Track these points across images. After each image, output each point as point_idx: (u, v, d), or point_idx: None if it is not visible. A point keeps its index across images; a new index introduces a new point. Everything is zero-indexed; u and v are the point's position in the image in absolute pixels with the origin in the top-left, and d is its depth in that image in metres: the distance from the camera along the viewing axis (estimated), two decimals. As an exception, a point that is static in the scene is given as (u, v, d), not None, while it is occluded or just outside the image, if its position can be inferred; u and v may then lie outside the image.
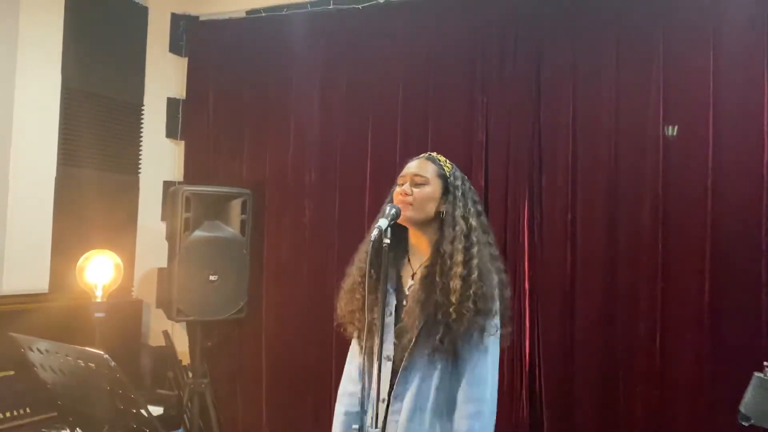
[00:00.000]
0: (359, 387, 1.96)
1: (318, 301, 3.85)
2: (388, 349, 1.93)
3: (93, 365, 1.37)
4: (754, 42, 3.00)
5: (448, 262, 1.89)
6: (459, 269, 1.87)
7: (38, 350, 1.52)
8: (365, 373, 1.95)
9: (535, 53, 3.41)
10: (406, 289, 1.98)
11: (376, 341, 1.80)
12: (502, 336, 1.96)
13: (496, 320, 1.92)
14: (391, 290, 1.96)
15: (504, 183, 3.45)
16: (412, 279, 1.98)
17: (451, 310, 1.84)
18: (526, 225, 3.39)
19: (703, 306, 3.03)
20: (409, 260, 2.02)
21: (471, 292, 1.85)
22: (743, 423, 2.18)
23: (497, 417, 3.29)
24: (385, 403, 1.90)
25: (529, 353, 3.34)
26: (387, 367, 1.92)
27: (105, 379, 1.39)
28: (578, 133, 3.32)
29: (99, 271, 3.09)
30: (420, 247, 2.01)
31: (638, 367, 3.14)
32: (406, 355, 1.90)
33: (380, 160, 3.72)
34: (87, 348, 1.43)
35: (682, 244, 3.09)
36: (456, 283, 1.85)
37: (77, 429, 1.61)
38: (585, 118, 3.31)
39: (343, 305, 2.06)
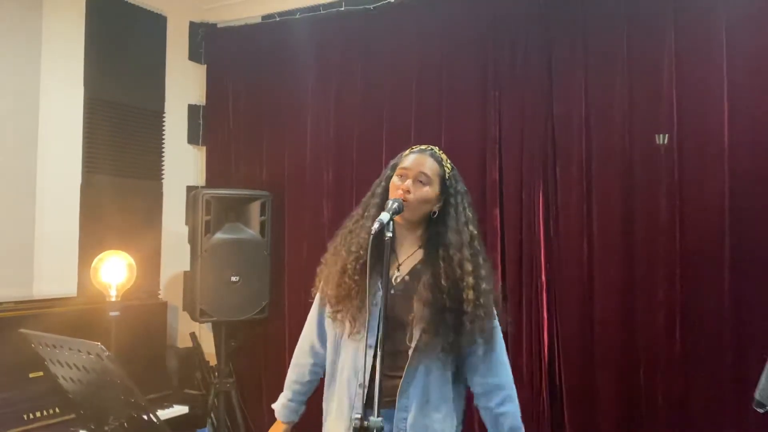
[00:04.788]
0: (310, 361, 2.21)
1: (338, 300, 3.88)
2: (371, 338, 1.92)
3: (93, 356, 1.43)
4: (766, 25, 2.95)
5: (458, 271, 1.94)
6: (470, 280, 1.94)
7: (46, 345, 1.59)
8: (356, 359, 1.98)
9: (546, 46, 3.40)
10: (392, 280, 2.00)
11: (365, 328, 1.87)
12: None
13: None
14: (378, 280, 1.96)
15: (519, 177, 3.44)
16: (398, 270, 2.02)
17: (464, 319, 1.91)
18: (542, 218, 3.37)
19: (723, 295, 2.98)
20: (393, 251, 2.03)
21: (481, 300, 1.94)
22: (758, 410, 2.13)
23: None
24: (363, 389, 1.92)
25: (548, 346, 3.33)
26: (368, 354, 1.94)
27: (105, 370, 1.45)
28: (592, 124, 3.30)
29: (112, 271, 3.18)
30: (406, 240, 2.05)
31: (659, 358, 3.10)
32: (411, 351, 1.93)
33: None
34: (85, 340, 1.49)
35: (700, 232, 3.04)
36: (469, 294, 1.92)
37: (90, 423, 1.67)
38: (598, 109, 3.29)
39: (332, 285, 2.05)
